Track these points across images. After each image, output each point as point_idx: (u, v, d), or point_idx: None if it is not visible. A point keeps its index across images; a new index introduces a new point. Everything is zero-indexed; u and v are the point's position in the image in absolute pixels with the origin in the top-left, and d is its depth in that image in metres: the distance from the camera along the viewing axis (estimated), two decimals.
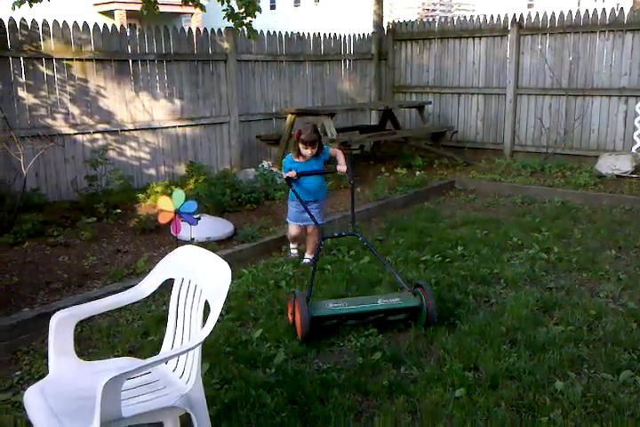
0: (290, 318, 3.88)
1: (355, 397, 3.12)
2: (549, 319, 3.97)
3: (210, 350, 3.51)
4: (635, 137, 8.42)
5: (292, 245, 5.30)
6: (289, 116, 8.27)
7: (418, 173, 8.23)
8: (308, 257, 5.13)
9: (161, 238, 5.54)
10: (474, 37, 9.81)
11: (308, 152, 4.70)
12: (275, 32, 9.06)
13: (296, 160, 4.79)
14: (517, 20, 9.27)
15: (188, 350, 2.40)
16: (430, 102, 10.06)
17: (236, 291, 4.43)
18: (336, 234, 4.44)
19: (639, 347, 3.53)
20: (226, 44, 8.33)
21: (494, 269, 4.86)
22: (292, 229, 5.09)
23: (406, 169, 8.30)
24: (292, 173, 4.59)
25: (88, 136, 7.06)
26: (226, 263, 2.55)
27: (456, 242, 5.53)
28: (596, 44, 8.69)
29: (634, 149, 8.43)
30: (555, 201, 7.09)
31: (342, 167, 4.72)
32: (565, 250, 5.31)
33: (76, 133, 6.95)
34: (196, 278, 2.64)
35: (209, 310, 2.42)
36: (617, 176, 7.93)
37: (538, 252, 5.23)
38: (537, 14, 9.16)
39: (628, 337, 3.65)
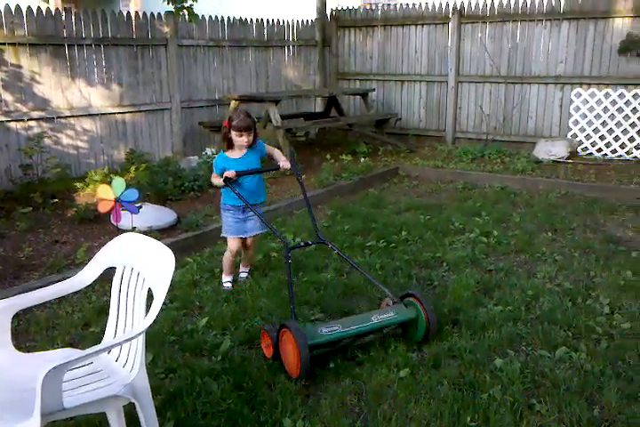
0: (266, 351, 3.36)
1: (302, 381, 3.14)
2: (489, 300, 4.09)
3: (154, 339, 3.46)
4: (570, 124, 8.71)
5: (225, 278, 4.36)
6: (232, 103, 8.18)
7: (362, 159, 8.29)
8: (244, 271, 4.52)
9: (101, 228, 5.40)
10: (416, 25, 9.91)
11: (243, 140, 4.00)
12: (217, 17, 8.91)
13: (230, 157, 4.08)
14: (458, 8, 9.41)
15: (131, 338, 2.35)
16: (374, 89, 10.13)
17: (181, 280, 4.38)
18: (302, 243, 3.94)
19: (574, 325, 3.69)
20: (166, 29, 8.14)
21: (437, 253, 4.97)
22: (233, 245, 4.22)
23: (351, 156, 8.33)
24: (232, 173, 3.91)
25: (22, 124, 6.78)
26: (169, 250, 2.51)
27: (400, 227, 5.61)
28: (534, 33, 8.92)
29: (569, 136, 8.73)
30: (495, 186, 7.28)
31: (286, 163, 4.09)
32: (504, 233, 5.47)
33: (9, 121, 6.65)
34: (139, 266, 2.59)
35: (152, 299, 2.38)
36: (553, 162, 8.21)
37: (478, 235, 5.37)
38: (477, 3, 9.32)
39: (563, 315, 3.80)
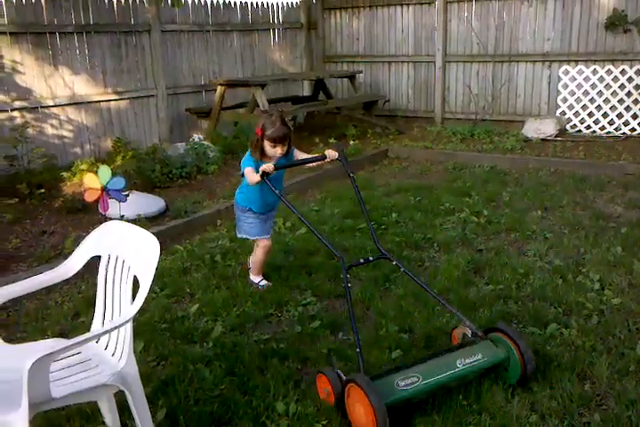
0: (326, 399, 2.79)
1: (294, 365, 3.14)
2: (480, 279, 4.09)
3: (145, 327, 3.45)
4: (558, 101, 8.68)
5: (256, 278, 4.07)
6: (219, 88, 8.10)
7: (352, 142, 8.25)
8: (256, 278, 4.11)
9: (89, 217, 5.36)
10: (402, 5, 9.81)
11: (277, 152, 3.54)
12: (200, 1, 8.78)
13: (260, 161, 3.61)
14: None
15: (118, 326, 2.34)
16: (361, 71, 10.04)
17: (171, 267, 4.36)
18: (362, 260, 3.23)
19: (564, 301, 3.70)
20: (149, 14, 8.02)
21: (427, 234, 4.96)
22: (267, 243, 3.95)
23: (340, 139, 8.30)
24: (270, 167, 3.38)
25: (5, 114, 6.70)
26: (153, 237, 2.48)
27: (390, 209, 5.60)
28: (520, 11, 8.84)
29: (557, 113, 8.70)
30: (484, 166, 7.27)
31: (332, 152, 3.59)
32: (494, 213, 5.47)
33: None
34: (124, 254, 2.57)
35: (139, 287, 2.36)
36: (542, 140, 8.19)
37: (469, 215, 5.36)
38: None
39: (553, 292, 3.81)
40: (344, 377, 2.69)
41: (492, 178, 6.71)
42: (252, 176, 3.51)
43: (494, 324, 3.17)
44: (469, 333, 3.01)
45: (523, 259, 4.41)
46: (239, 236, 4.01)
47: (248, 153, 3.66)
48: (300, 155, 3.79)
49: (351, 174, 3.56)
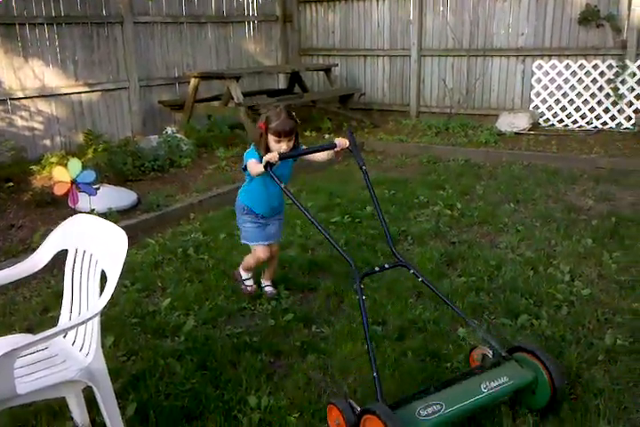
0: None
1: (267, 358, 3.13)
2: (453, 271, 4.12)
3: (115, 322, 3.40)
4: (532, 95, 8.76)
5: (245, 275, 3.84)
6: (192, 80, 8.01)
7: (327, 135, 8.23)
8: (268, 284, 3.88)
9: (59, 211, 5.26)
10: None
11: (282, 147, 3.23)
12: None
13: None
14: None
15: (85, 321, 2.30)
16: (337, 65, 10.01)
17: (142, 261, 4.31)
18: (377, 268, 2.90)
19: (535, 292, 3.74)
20: (121, 6, 7.89)
21: (402, 227, 4.97)
22: (262, 253, 3.61)
23: (316, 132, 8.29)
24: (274, 156, 3.05)
25: None
26: (121, 230, 2.44)
27: (365, 202, 5.59)
28: (495, 5, 8.88)
29: (531, 107, 8.78)
30: (458, 159, 7.30)
31: (342, 140, 3.28)
32: (468, 206, 5.50)
33: None
34: (91, 248, 2.52)
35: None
36: (515, 133, 8.26)
37: (442, 208, 5.39)
38: None
39: (525, 284, 3.85)
40: (358, 408, 2.44)
41: (466, 171, 6.75)
42: (255, 167, 3.22)
43: (465, 312, 3.19)
44: (490, 353, 2.71)
45: (495, 251, 4.44)
46: (242, 242, 3.70)
47: (252, 146, 3.37)
48: (312, 154, 3.43)
49: (363, 167, 3.24)
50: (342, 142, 3.26)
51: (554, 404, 2.56)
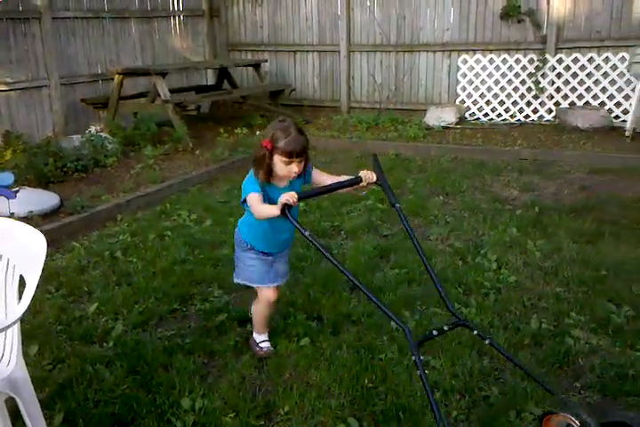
0: None
1: (200, 359, 3.08)
2: (386, 264, 4.17)
3: (39, 330, 3.27)
4: (458, 90, 8.97)
5: (259, 337, 3.18)
6: (116, 77, 7.77)
7: (258, 132, 8.16)
8: (259, 336, 3.20)
9: None
10: None
11: (292, 170, 2.69)
12: None
13: (266, 183, 2.75)
14: None
15: (4, 329, 2.19)
16: (266, 60, 9.95)
17: (67, 266, 4.15)
18: (435, 332, 2.34)
19: (464, 281, 3.84)
20: (39, 1, 7.55)
21: (335, 222, 5.00)
22: (270, 296, 3.04)
23: (247, 129, 8.20)
24: (293, 197, 2.47)
25: None
26: (39, 233, 2.34)
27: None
28: (420, 1, 9.02)
29: (457, 102, 9.00)
30: (389, 154, 7.39)
31: (369, 173, 2.75)
32: (399, 199, 5.52)
33: None
34: (7, 252, 2.41)
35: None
36: (443, 128, 8.44)
37: (374, 203, 5.44)
38: None
39: (454, 273, 3.95)
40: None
41: (397, 165, 6.85)
42: (261, 208, 2.64)
43: (398, 303, 3.21)
44: (576, 423, 2.20)
45: (426, 243, 4.52)
46: (236, 281, 3.08)
47: (251, 173, 2.77)
48: (319, 174, 2.94)
49: (397, 205, 2.70)
50: (368, 176, 2.74)
51: None
